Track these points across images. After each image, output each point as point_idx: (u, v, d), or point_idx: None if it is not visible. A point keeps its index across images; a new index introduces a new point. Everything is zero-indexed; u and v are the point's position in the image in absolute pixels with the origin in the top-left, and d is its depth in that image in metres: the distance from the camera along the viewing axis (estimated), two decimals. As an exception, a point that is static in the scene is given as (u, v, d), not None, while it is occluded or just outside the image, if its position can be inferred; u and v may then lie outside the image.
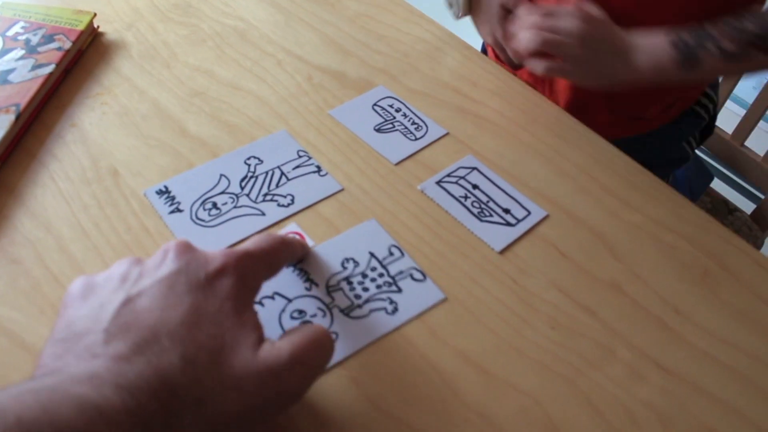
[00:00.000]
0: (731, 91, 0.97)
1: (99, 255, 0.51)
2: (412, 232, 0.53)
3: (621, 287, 0.51)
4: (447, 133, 0.62)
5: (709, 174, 0.91)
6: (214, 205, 0.55)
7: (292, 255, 0.46)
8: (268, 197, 0.56)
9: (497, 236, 0.54)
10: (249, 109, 0.63)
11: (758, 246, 0.92)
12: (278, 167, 0.58)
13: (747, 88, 1.38)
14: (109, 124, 0.62)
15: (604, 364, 0.46)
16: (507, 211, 0.56)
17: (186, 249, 0.38)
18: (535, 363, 0.46)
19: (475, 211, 0.55)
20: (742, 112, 0.97)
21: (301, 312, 0.47)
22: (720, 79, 0.85)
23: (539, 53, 0.63)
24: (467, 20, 0.77)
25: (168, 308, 0.34)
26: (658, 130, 0.76)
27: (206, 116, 0.63)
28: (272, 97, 0.65)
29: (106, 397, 0.29)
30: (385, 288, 0.49)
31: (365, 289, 0.49)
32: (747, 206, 0.98)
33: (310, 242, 0.52)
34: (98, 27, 0.71)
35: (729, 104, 1.02)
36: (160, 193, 0.56)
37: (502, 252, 0.53)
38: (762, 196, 0.97)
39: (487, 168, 0.59)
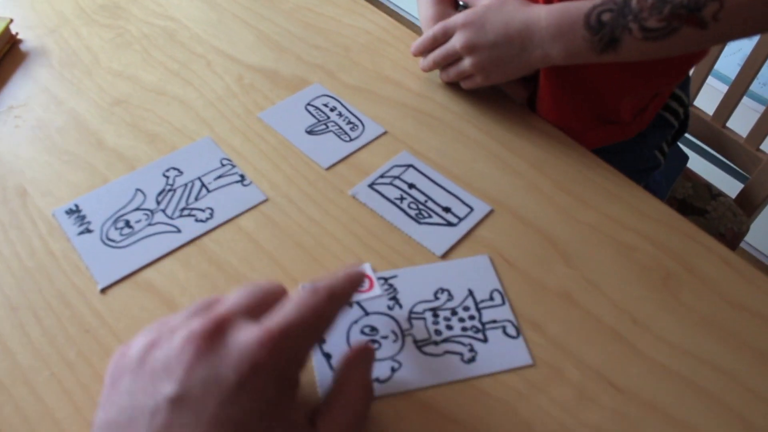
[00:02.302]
0: (712, 67, 0.91)
1: (-3, 285, 0.47)
2: (341, 244, 0.48)
3: (572, 296, 0.46)
4: (385, 132, 0.57)
5: (683, 155, 0.85)
6: (127, 223, 0.50)
7: (341, 309, 0.37)
8: (186, 212, 0.51)
9: (438, 239, 0.49)
10: (172, 116, 0.59)
11: (743, 232, 0.86)
12: (199, 178, 0.53)
13: (732, 64, 1.31)
14: (21, 138, 0.57)
15: (549, 386, 0.41)
16: (447, 209, 0.51)
17: (207, 344, 0.32)
18: (470, 387, 0.41)
19: (413, 213, 0.50)
20: (725, 87, 0.91)
21: (373, 329, 0.43)
22: (690, 75, 0.78)
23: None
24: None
25: (203, 426, 0.30)
26: (631, 140, 0.69)
27: (126, 126, 0.58)
28: (198, 102, 0.60)
29: None
30: (470, 332, 0.44)
31: (449, 327, 0.44)
32: (733, 186, 0.92)
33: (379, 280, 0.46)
34: (17, 33, 0.67)
35: (710, 80, 0.96)
36: (69, 212, 0.51)
37: (444, 256, 0.48)
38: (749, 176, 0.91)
39: (424, 164, 0.54)
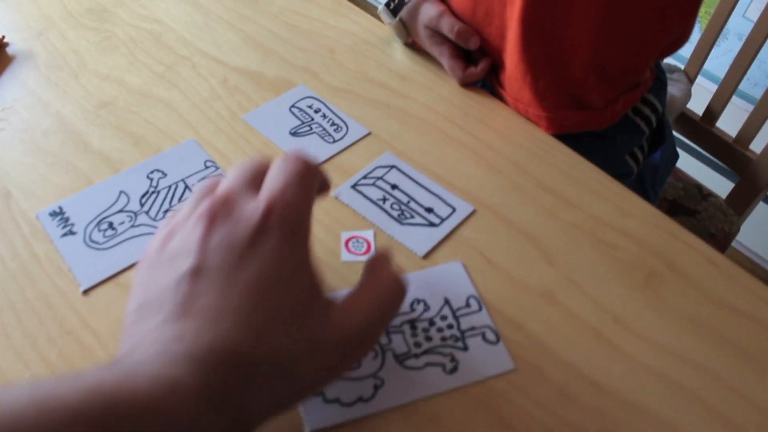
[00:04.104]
0: (701, 66, 0.91)
1: (-21, 288, 0.47)
2: (324, 246, 0.48)
3: (553, 296, 0.46)
4: (369, 133, 0.57)
5: (674, 153, 0.85)
6: (110, 225, 0.50)
7: (318, 169, 0.39)
8: (169, 214, 0.51)
9: (420, 239, 0.49)
10: (157, 119, 0.59)
11: (734, 232, 0.86)
12: (182, 180, 0.53)
13: (721, 64, 1.32)
14: (6, 141, 0.57)
15: (529, 386, 0.41)
16: (430, 210, 0.51)
17: (216, 218, 0.34)
18: (452, 389, 0.41)
19: (395, 213, 0.50)
20: (714, 87, 0.91)
21: None
22: (668, 83, 0.77)
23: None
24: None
25: (225, 288, 0.32)
26: (599, 140, 0.68)
27: (112, 128, 0.58)
28: (183, 104, 0.60)
29: (180, 374, 0.29)
30: (450, 342, 0.43)
31: (428, 339, 0.43)
32: (724, 186, 0.92)
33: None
34: (3, 37, 0.67)
35: (700, 80, 0.96)
36: (53, 214, 0.51)
37: (426, 257, 0.48)
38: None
39: (407, 165, 0.54)
